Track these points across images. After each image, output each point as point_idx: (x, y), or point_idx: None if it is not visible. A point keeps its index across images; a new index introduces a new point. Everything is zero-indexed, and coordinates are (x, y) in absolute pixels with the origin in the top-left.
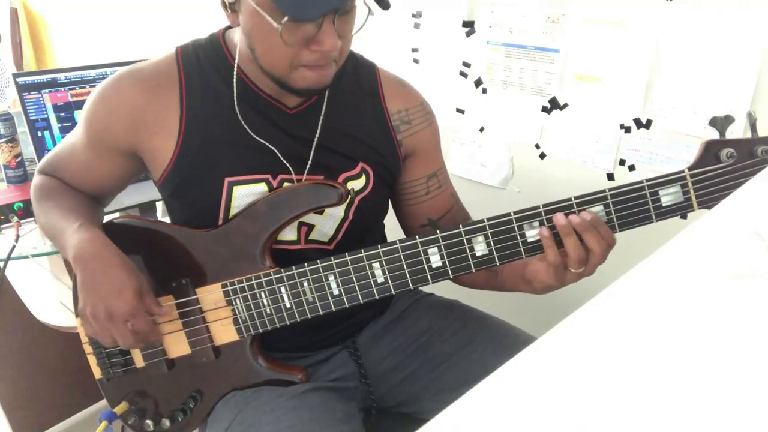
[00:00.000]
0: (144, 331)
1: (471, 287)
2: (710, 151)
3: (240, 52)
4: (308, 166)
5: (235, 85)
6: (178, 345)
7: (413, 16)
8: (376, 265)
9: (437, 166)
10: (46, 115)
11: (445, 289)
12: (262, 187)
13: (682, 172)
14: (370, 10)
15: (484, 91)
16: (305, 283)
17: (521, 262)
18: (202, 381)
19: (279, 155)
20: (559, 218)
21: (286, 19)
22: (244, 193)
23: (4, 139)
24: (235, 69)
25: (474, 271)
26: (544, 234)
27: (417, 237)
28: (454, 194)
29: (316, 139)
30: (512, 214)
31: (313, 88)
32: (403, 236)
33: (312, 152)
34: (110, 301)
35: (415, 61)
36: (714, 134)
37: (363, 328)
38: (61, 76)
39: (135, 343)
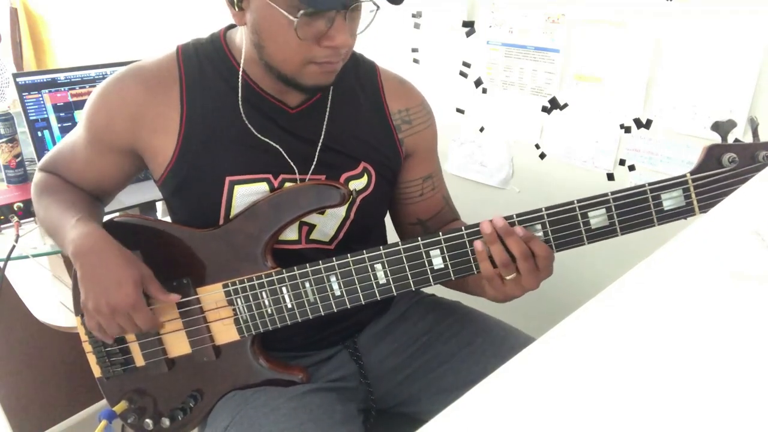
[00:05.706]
0: (146, 323)
1: (451, 288)
2: (712, 156)
3: (243, 51)
4: (313, 166)
5: (240, 85)
6: (178, 344)
7: (413, 16)
8: (378, 266)
9: (433, 168)
10: (46, 115)
11: (447, 290)
12: (263, 187)
13: (684, 176)
14: (378, 6)
15: (484, 91)
16: (307, 284)
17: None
18: (202, 380)
19: (282, 155)
20: (484, 227)
21: (302, 12)
22: (245, 193)
23: (4, 139)
24: (241, 69)
25: (476, 273)
26: (477, 248)
27: (419, 238)
28: (445, 196)
29: (321, 140)
30: (515, 216)
31: (320, 84)
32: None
33: (317, 152)
34: (111, 295)
35: (415, 61)
36: (716, 137)
37: (364, 328)
38: (61, 76)
39: (139, 331)
